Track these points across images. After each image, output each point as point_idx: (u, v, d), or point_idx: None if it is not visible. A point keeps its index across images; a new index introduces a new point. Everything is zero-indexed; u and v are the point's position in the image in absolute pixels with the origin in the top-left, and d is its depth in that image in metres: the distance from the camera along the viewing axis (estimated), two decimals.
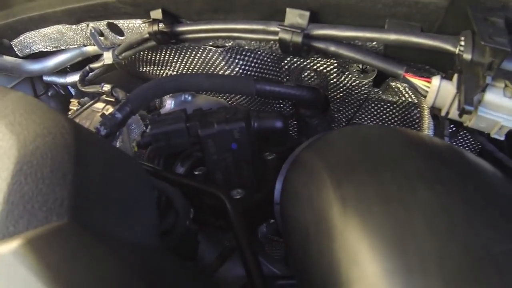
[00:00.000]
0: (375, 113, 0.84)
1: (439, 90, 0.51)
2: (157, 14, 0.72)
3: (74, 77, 1.12)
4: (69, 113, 1.01)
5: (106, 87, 0.91)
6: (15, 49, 1.04)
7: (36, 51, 1.04)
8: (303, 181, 0.47)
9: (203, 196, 0.59)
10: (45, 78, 1.18)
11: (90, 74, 1.06)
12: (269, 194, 0.57)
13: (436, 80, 0.51)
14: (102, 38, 0.89)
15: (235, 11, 0.64)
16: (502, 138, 0.50)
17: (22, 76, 1.14)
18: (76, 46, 0.98)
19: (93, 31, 0.87)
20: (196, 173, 0.66)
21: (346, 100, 0.76)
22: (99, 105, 0.93)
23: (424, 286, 0.29)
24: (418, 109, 0.69)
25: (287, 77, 0.78)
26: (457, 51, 0.47)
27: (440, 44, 0.49)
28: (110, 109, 0.90)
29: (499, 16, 0.44)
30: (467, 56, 0.46)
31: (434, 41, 0.50)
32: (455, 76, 0.50)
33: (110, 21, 0.83)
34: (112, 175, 0.41)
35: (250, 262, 0.51)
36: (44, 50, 1.02)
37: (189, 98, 0.84)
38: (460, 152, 0.42)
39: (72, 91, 1.22)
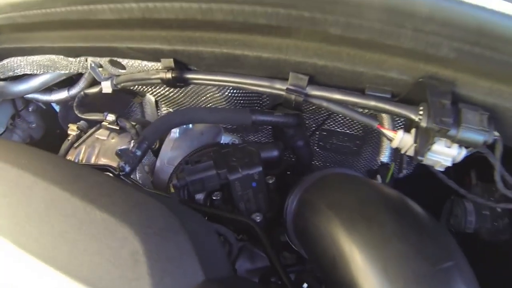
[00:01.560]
0: (341, 122, 1.06)
1: (401, 139, 0.73)
2: (168, 62, 0.83)
3: (60, 95, 1.17)
4: (68, 138, 1.08)
5: (111, 117, 1.00)
6: None
7: (21, 74, 1.06)
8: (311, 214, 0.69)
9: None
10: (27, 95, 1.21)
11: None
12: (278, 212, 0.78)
13: (400, 133, 0.73)
14: (100, 69, 0.96)
15: (243, 68, 0.79)
16: (443, 169, 0.73)
17: (6, 98, 1.16)
18: (67, 72, 1.03)
19: (93, 65, 0.94)
20: (214, 198, 0.84)
21: (317, 111, 0.96)
22: (103, 133, 1.01)
23: None
24: None
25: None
26: (416, 119, 0.69)
27: (405, 113, 0.70)
28: (115, 138, 1.00)
29: (447, 98, 0.65)
30: (423, 124, 0.67)
31: (401, 109, 0.70)
32: (413, 131, 0.72)
33: (113, 58, 0.91)
34: (200, 232, 0.58)
35: (275, 261, 0.72)
36: (30, 73, 1.05)
37: (190, 126, 0.98)
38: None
39: (56, 107, 1.26)
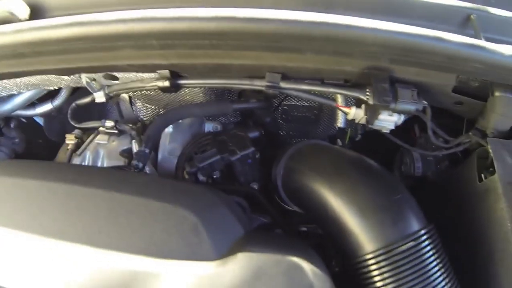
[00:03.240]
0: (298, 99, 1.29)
1: (355, 113, 0.98)
2: (164, 73, 0.98)
3: (44, 108, 1.24)
4: (68, 148, 1.19)
5: (109, 123, 1.14)
6: None
7: (6, 95, 1.10)
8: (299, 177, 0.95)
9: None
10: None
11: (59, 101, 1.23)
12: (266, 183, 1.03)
13: (353, 109, 0.98)
14: (93, 82, 1.09)
15: (229, 72, 0.98)
16: (388, 131, 0.99)
17: None
18: (56, 87, 1.12)
19: (88, 80, 1.05)
20: (215, 177, 1.05)
21: None
22: (103, 138, 1.16)
23: None
24: None
25: None
26: (365, 98, 0.93)
27: (356, 94, 0.94)
28: (115, 141, 1.15)
29: (386, 83, 0.89)
30: (370, 102, 0.92)
31: (353, 92, 0.95)
32: (363, 106, 0.97)
33: (108, 73, 1.04)
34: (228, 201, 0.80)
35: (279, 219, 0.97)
36: (16, 93, 1.11)
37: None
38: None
39: (39, 120, 1.33)
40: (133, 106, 1.42)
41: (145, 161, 1.01)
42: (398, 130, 1.06)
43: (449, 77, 0.92)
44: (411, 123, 1.29)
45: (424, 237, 0.81)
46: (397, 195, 0.84)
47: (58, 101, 1.25)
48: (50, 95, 1.24)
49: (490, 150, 0.92)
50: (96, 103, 1.40)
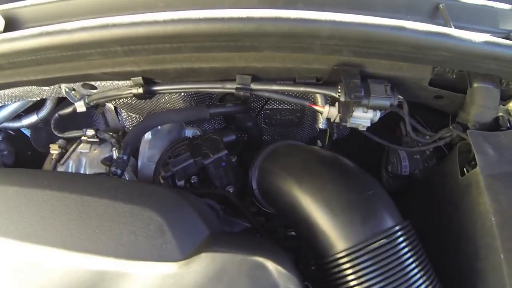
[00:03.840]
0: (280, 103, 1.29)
1: (329, 111, 0.98)
2: (137, 80, 1.00)
3: (30, 119, 1.27)
4: (52, 157, 1.20)
5: (90, 132, 1.15)
6: None
7: None
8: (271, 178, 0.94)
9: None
10: None
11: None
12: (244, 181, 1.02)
13: (327, 107, 0.97)
14: (73, 92, 1.10)
15: (200, 76, 0.99)
16: (365, 129, 0.97)
17: None
18: (38, 98, 1.15)
19: (67, 90, 1.08)
20: (192, 181, 1.05)
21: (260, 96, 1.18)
22: (85, 146, 1.17)
23: None
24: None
25: None
26: (336, 95, 0.93)
27: (327, 92, 0.94)
28: (96, 149, 1.16)
29: (357, 78, 0.88)
30: (342, 99, 0.91)
31: (324, 90, 0.94)
32: (337, 104, 0.96)
33: (86, 82, 1.06)
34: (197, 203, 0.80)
35: (253, 221, 0.96)
36: (1, 105, 1.15)
37: (159, 127, 1.17)
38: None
39: (26, 132, 1.36)
40: (119, 116, 1.45)
41: (123, 168, 1.01)
42: (383, 129, 1.05)
43: (423, 69, 0.91)
44: (397, 122, 1.28)
45: (398, 233, 0.79)
46: (369, 192, 0.82)
47: (43, 112, 1.28)
48: (36, 106, 1.27)
49: (471, 143, 0.90)
50: (83, 113, 1.44)
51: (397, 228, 0.80)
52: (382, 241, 0.77)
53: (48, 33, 0.80)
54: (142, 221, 0.72)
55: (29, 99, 1.18)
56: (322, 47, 0.77)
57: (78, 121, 1.43)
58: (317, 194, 0.83)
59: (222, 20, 0.68)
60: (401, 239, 0.79)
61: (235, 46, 0.79)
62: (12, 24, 0.91)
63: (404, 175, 1.19)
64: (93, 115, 1.53)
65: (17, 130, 1.39)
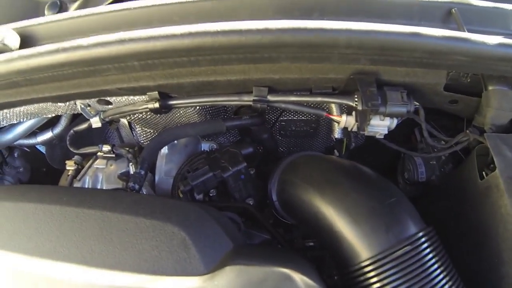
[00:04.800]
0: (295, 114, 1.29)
1: (346, 121, 0.98)
2: (154, 95, 1.00)
3: (45, 136, 1.26)
4: (68, 174, 1.21)
5: (106, 147, 1.16)
6: None
7: (7, 125, 1.14)
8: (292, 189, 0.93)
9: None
10: None
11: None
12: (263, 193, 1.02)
13: (344, 117, 0.97)
14: (88, 108, 1.11)
15: (216, 89, 0.99)
16: (382, 137, 0.97)
17: None
18: (53, 115, 1.15)
19: (82, 106, 1.09)
20: (211, 195, 1.05)
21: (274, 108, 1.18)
22: (101, 162, 1.18)
23: None
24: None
25: None
26: (354, 104, 0.93)
27: (344, 101, 0.94)
28: (113, 165, 1.17)
29: (373, 86, 0.88)
30: (359, 107, 0.91)
31: (341, 99, 0.94)
32: (354, 113, 0.96)
33: (102, 98, 1.07)
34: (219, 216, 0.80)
35: (275, 233, 0.95)
36: (16, 122, 1.15)
37: (175, 141, 1.18)
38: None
39: (41, 148, 1.36)
40: (133, 132, 1.46)
41: (141, 183, 1.01)
42: (398, 136, 1.05)
43: (438, 74, 0.90)
44: (411, 128, 1.28)
45: (422, 240, 0.79)
46: (391, 199, 0.82)
47: (58, 129, 1.28)
48: (51, 123, 1.27)
49: (489, 146, 0.89)
50: (97, 129, 1.45)
51: (421, 234, 0.79)
52: (406, 248, 0.76)
53: (64, 49, 0.81)
54: (165, 236, 0.72)
55: (44, 116, 1.19)
56: (340, 56, 0.77)
57: (92, 137, 1.44)
58: (339, 203, 0.83)
59: (240, 32, 0.69)
60: (425, 245, 0.78)
61: (252, 58, 0.79)
62: (27, 41, 0.92)
63: (420, 181, 1.19)
64: (107, 131, 1.53)
65: (32, 147, 1.40)
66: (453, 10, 0.86)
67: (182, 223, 0.73)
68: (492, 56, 0.78)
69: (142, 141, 1.43)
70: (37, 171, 1.49)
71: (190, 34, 0.71)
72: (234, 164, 1.04)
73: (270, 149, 1.27)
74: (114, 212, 0.76)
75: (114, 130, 1.50)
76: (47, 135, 1.29)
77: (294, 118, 1.34)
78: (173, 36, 0.72)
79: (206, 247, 0.71)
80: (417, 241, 0.78)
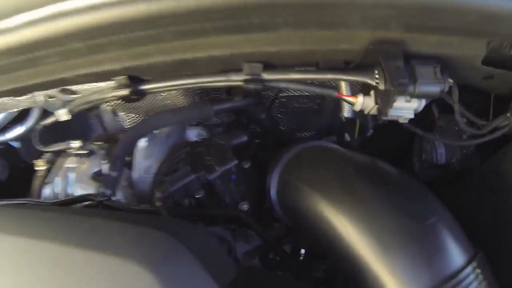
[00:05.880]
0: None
1: (363, 103, 0.77)
2: (122, 80, 0.81)
3: (16, 131, 1.10)
4: (37, 174, 1.05)
5: (75, 143, 0.98)
6: None
7: None
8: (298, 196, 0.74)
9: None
10: None
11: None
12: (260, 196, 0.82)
13: (360, 98, 0.77)
14: (54, 99, 0.93)
15: (196, 69, 0.79)
16: (406, 121, 0.78)
17: None
18: (18, 110, 0.99)
19: (43, 98, 0.91)
20: (197, 197, 0.86)
21: None
22: (72, 160, 0.99)
23: None
24: None
25: None
26: (374, 83, 0.72)
27: (362, 79, 0.73)
28: (86, 162, 0.98)
29: (400, 60, 0.68)
30: (381, 87, 0.71)
31: (357, 76, 0.74)
32: (372, 93, 0.76)
33: (64, 87, 0.88)
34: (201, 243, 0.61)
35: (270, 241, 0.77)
36: None
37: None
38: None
39: (15, 144, 1.23)
40: (116, 117, 1.28)
41: (113, 187, 0.83)
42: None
43: (477, 44, 0.70)
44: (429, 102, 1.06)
45: (473, 274, 0.58)
46: (432, 218, 0.61)
47: (30, 123, 1.11)
48: (20, 117, 1.11)
49: None
50: (79, 119, 1.28)
51: (471, 267, 0.59)
52: (452, 284, 0.56)
53: None
54: (128, 278, 0.54)
55: (6, 111, 1.04)
56: (362, 20, 0.56)
57: (73, 128, 1.28)
58: (362, 222, 0.62)
59: None
60: (474, 276, 0.58)
61: (239, 26, 0.61)
62: None
63: (440, 164, 1.01)
64: (90, 119, 1.36)
65: (6, 143, 1.25)
66: None
67: (151, 262, 0.54)
68: None
69: (126, 126, 1.25)
70: (16, 168, 1.35)
71: None
72: (222, 163, 0.84)
73: (270, 129, 1.08)
74: (63, 245, 0.58)
75: (95, 116, 1.32)
76: (19, 130, 1.12)
77: (296, 94, 1.14)
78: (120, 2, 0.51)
79: None
80: (467, 277, 0.58)
